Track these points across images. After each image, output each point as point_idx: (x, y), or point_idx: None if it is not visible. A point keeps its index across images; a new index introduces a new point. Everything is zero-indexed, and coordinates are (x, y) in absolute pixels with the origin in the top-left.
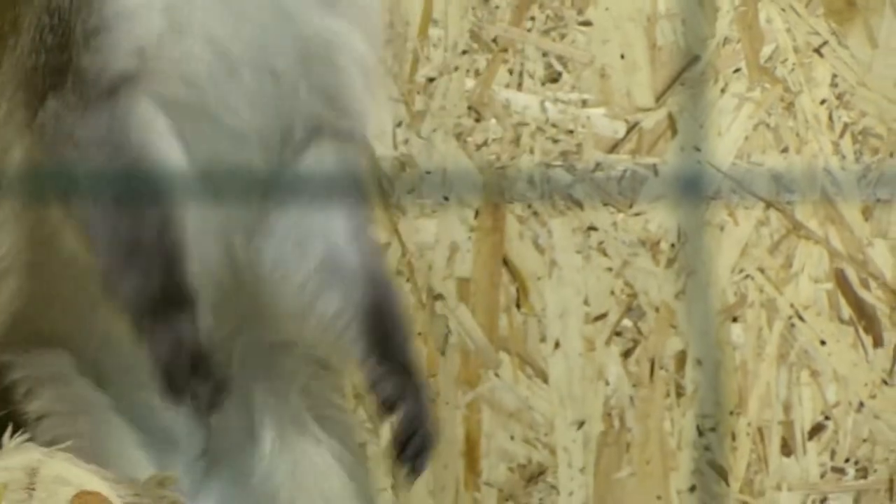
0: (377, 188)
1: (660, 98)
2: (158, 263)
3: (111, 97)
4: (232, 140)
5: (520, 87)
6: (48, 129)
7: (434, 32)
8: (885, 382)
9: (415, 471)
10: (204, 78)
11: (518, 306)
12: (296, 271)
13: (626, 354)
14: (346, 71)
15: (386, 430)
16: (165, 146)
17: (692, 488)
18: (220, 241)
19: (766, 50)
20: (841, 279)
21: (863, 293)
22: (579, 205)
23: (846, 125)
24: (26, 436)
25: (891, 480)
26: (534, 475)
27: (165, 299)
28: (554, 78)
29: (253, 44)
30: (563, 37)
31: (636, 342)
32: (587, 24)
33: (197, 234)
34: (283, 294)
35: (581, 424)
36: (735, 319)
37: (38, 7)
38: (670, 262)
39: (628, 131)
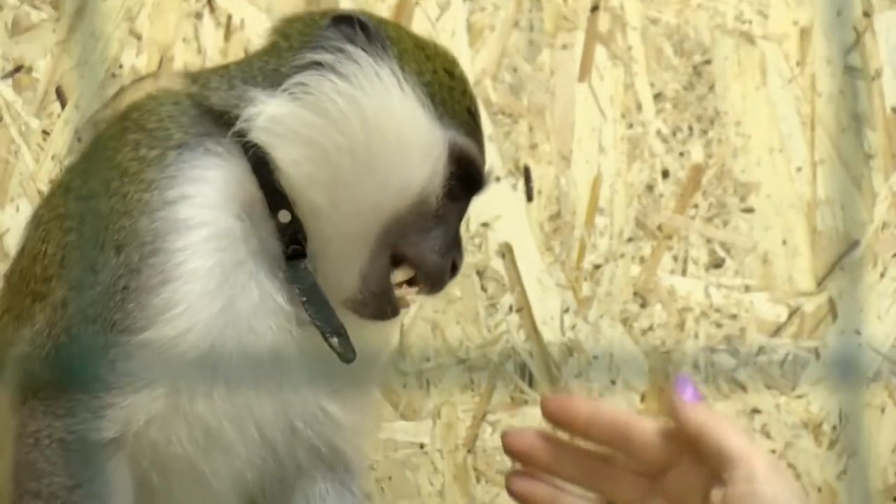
0: (546, 372)
1: (821, 283)
2: None
3: (91, 455)
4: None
5: (684, 272)
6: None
7: (600, 221)
8: None
9: None
10: (182, 461)
11: None
12: None
13: None
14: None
15: None
16: None
17: None
18: None
19: None
20: None
21: None
22: (743, 388)
23: None
24: None
25: None
26: None
27: None
28: (717, 264)
29: (249, 429)
30: (725, 224)
31: None
32: (749, 210)
33: None
34: None
35: None
36: None
37: (50, 306)
38: (832, 444)
39: (790, 315)
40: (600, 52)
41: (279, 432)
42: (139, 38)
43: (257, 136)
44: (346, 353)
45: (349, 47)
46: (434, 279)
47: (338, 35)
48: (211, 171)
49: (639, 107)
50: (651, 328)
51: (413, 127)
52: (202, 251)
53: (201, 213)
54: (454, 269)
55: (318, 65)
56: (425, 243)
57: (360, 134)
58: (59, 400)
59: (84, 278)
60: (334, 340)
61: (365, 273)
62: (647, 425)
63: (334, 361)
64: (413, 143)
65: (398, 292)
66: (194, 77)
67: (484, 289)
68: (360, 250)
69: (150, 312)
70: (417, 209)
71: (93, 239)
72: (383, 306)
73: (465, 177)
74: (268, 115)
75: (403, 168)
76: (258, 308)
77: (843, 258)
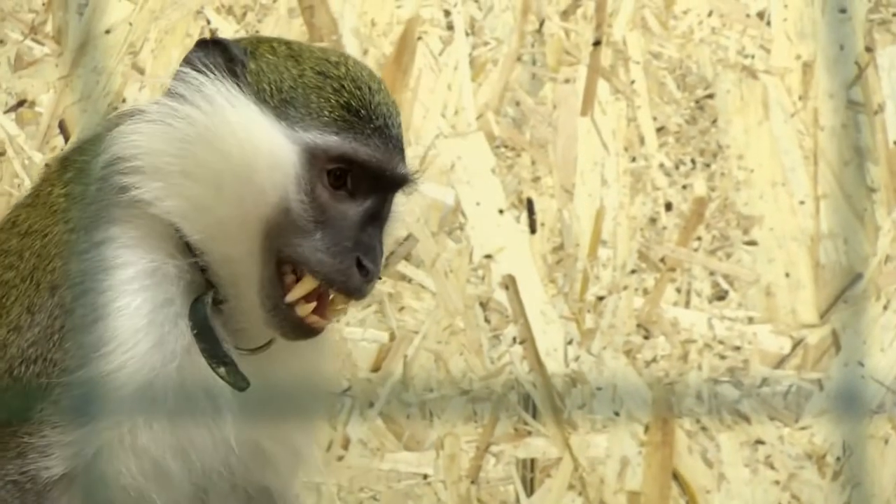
0: (549, 404)
1: (824, 315)
2: None
3: (43, 494)
4: None
5: (687, 304)
6: None
7: (603, 253)
8: None
9: None
10: (138, 494)
11: None
12: None
13: None
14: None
15: None
16: None
17: None
18: None
19: None
20: None
21: None
22: (746, 419)
23: None
24: None
25: None
26: None
27: None
28: (720, 296)
29: (193, 461)
30: (729, 256)
31: None
32: (752, 243)
33: None
34: None
35: None
36: None
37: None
38: (836, 475)
39: (793, 347)
40: (603, 87)
41: (219, 465)
42: (142, 72)
43: (118, 179)
44: (237, 382)
45: (189, 71)
46: (328, 278)
47: (191, 61)
48: (133, 209)
49: (641, 140)
50: (654, 360)
51: (252, 138)
52: (129, 290)
53: (125, 254)
54: (363, 269)
55: (171, 94)
56: (307, 244)
57: (201, 154)
58: (10, 442)
59: (22, 321)
60: (221, 370)
61: (260, 290)
62: None
63: (272, 393)
64: (254, 154)
65: (303, 309)
66: (123, 114)
67: (487, 320)
68: (248, 267)
69: (86, 350)
70: (286, 216)
71: (29, 278)
72: (287, 319)
73: (358, 175)
74: (110, 156)
75: (251, 180)
76: (191, 344)
77: (846, 291)
